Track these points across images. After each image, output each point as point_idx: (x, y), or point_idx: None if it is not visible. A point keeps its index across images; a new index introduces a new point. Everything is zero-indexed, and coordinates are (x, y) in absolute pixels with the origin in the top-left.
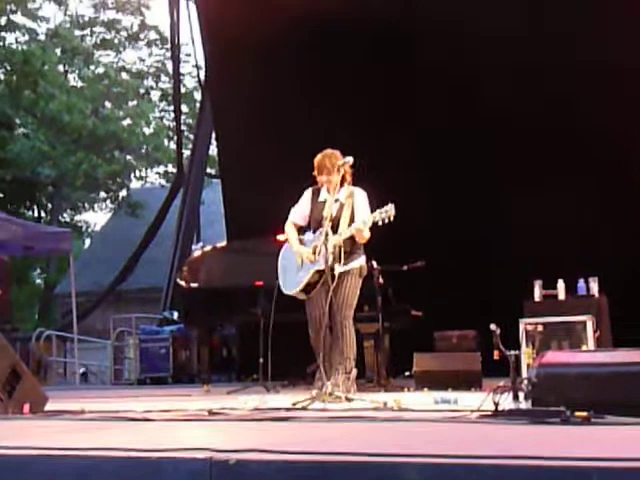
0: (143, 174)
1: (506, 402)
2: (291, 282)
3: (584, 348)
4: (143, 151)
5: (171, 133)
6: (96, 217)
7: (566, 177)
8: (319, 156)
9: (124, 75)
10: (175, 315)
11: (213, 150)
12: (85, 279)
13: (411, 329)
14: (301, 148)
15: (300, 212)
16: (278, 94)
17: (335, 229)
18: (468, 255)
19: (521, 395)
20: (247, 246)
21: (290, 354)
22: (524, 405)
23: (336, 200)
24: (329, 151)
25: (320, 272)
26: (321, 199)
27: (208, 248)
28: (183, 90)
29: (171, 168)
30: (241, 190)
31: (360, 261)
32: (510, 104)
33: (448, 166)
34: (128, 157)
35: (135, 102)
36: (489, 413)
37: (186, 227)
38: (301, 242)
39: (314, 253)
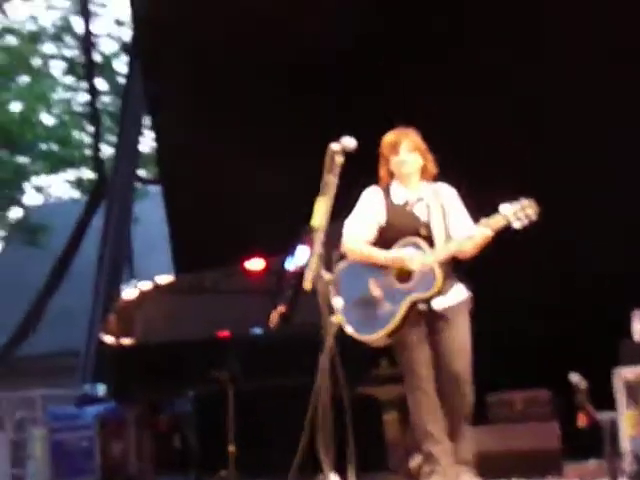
0: (44, 183)
1: None
2: (370, 320)
3: None
4: (43, 149)
5: (84, 122)
6: None
7: None
8: (390, 134)
9: (10, 39)
10: (101, 390)
11: (147, 144)
12: None
13: None
14: (280, 137)
15: (370, 222)
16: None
17: (429, 242)
18: (532, 273)
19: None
20: (204, 282)
21: (276, 437)
22: None
23: (419, 199)
24: (404, 128)
25: (420, 302)
26: (398, 200)
27: (146, 286)
28: (98, 58)
29: (86, 172)
30: (193, 200)
31: (464, 289)
32: None
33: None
34: (21, 159)
35: (28, 78)
36: None
37: (112, 258)
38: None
39: (404, 280)
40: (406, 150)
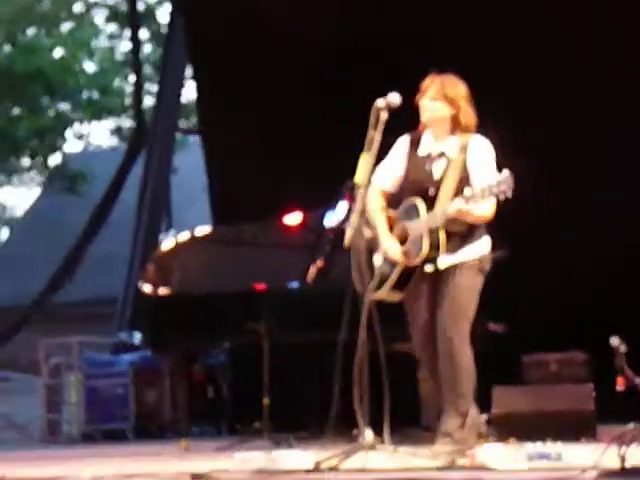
0: (85, 131)
1: (637, 456)
2: (374, 280)
3: None
4: (84, 97)
5: (125, 70)
6: (17, 195)
7: None
8: (426, 79)
9: None
10: (137, 338)
11: (189, 94)
12: (1, 287)
13: (488, 351)
14: (328, 91)
15: (390, 172)
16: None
17: (433, 201)
18: (572, 238)
19: None
20: (242, 234)
21: (310, 391)
22: None
23: (440, 154)
24: (442, 74)
25: (410, 271)
26: (423, 151)
27: (184, 237)
28: (141, 6)
29: (127, 121)
30: (233, 152)
31: (478, 249)
32: None
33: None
34: (62, 106)
35: (71, 25)
36: (612, 472)
37: (151, 208)
38: (392, 222)
39: (402, 243)
40: (429, 96)
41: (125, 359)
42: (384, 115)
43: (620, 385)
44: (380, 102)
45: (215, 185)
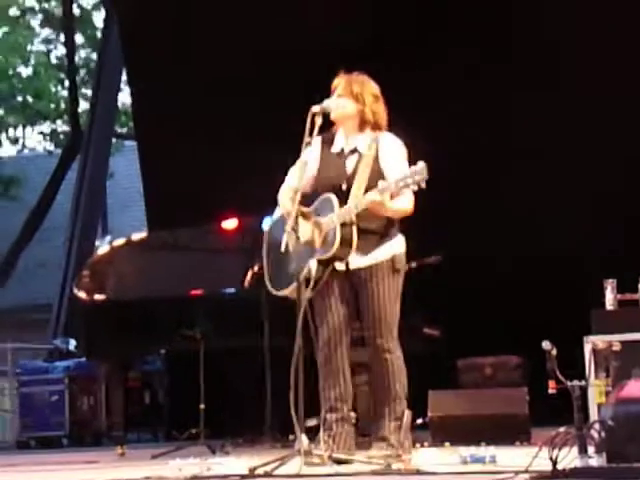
0: (19, 135)
1: (569, 458)
2: (284, 276)
3: None
4: (19, 100)
5: (61, 74)
6: None
7: None
8: (337, 77)
9: None
10: (72, 344)
11: (124, 99)
12: None
13: (424, 355)
14: (263, 93)
15: (301, 171)
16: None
17: (346, 196)
18: (506, 246)
19: (591, 447)
20: (178, 239)
21: (247, 397)
22: (596, 461)
23: (353, 150)
24: (350, 74)
25: (325, 263)
26: (336, 149)
27: (119, 243)
28: (77, 11)
29: (62, 126)
30: (168, 157)
31: (391, 248)
32: None
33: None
34: None
35: (5, 29)
36: (544, 475)
37: (86, 213)
38: (306, 218)
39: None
40: (337, 94)
41: (60, 366)
42: (319, 121)
43: (552, 388)
44: (315, 108)
45: (151, 190)
